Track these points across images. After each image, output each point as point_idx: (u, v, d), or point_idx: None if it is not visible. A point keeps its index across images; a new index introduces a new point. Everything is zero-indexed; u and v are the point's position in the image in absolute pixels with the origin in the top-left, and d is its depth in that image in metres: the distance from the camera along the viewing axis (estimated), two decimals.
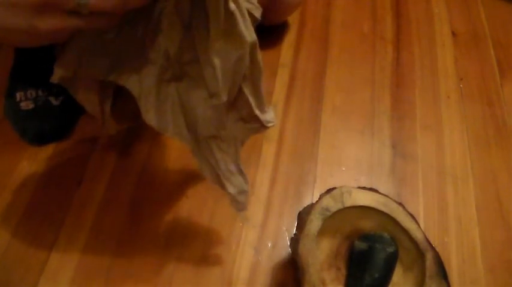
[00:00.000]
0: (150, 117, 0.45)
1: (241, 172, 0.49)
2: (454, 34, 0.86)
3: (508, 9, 0.91)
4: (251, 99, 0.45)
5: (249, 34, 0.40)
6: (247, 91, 0.44)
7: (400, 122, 0.72)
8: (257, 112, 0.46)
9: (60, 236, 0.57)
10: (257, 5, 0.45)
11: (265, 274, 0.56)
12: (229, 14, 0.38)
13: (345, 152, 0.68)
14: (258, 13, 0.45)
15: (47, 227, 0.58)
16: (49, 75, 0.70)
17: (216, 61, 0.40)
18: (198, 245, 0.58)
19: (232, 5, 0.37)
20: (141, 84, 0.44)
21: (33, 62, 0.69)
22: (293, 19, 0.85)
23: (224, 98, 0.42)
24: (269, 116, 0.48)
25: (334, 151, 0.67)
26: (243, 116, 0.46)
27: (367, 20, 0.87)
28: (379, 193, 0.51)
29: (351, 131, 0.71)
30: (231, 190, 0.48)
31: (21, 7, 0.35)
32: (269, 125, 0.48)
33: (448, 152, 0.70)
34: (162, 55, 0.42)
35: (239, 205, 0.49)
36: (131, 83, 0.44)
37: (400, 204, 0.51)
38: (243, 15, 0.39)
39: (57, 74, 0.45)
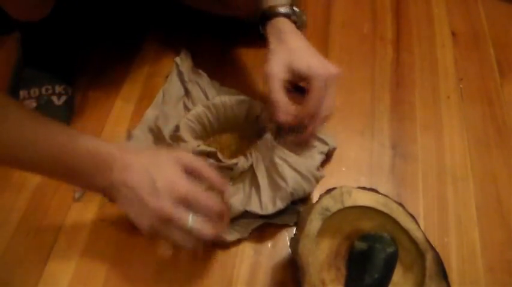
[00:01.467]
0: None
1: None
2: (454, 34, 0.86)
3: (508, 9, 0.91)
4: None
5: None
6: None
7: (400, 122, 0.72)
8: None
9: (60, 238, 0.58)
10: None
11: (265, 274, 0.56)
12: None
13: (345, 152, 0.68)
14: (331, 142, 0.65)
15: (47, 228, 0.58)
16: (52, 74, 0.70)
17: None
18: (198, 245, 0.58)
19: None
20: None
21: (37, 61, 0.69)
22: None
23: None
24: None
25: (334, 151, 0.67)
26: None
27: (367, 20, 0.87)
28: (379, 193, 0.51)
29: (351, 131, 0.71)
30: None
31: (150, 211, 0.45)
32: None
33: (448, 152, 0.69)
34: None
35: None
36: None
37: (400, 204, 0.51)
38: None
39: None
